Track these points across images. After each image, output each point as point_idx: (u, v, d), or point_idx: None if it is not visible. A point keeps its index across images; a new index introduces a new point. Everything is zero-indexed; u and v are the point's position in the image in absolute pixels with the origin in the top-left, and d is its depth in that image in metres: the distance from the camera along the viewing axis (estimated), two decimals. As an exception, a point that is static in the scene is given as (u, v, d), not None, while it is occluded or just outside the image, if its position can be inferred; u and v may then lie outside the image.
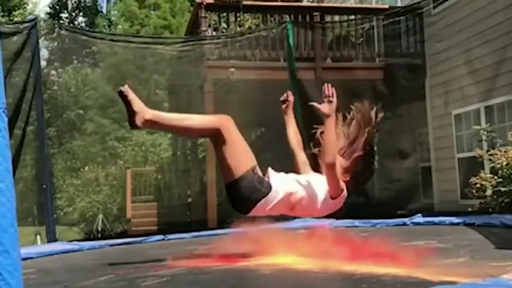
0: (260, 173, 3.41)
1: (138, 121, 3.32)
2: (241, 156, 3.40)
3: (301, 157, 3.84)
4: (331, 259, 3.19)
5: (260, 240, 3.77)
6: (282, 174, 3.55)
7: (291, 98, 4.00)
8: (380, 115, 3.56)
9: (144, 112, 3.33)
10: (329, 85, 3.43)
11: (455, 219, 5.87)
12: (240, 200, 3.38)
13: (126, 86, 3.37)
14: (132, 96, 3.33)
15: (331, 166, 3.30)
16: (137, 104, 3.33)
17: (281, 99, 4.00)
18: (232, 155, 3.36)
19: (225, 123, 3.42)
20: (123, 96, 3.35)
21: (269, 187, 3.37)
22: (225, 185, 3.44)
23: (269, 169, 3.52)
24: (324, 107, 3.38)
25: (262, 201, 3.34)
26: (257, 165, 3.43)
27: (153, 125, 3.51)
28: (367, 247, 3.49)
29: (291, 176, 3.60)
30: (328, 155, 3.30)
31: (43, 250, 5.29)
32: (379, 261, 3.05)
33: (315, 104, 3.42)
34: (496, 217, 5.55)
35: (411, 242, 4.22)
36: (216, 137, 3.39)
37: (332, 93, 3.39)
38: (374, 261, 3.07)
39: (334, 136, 3.39)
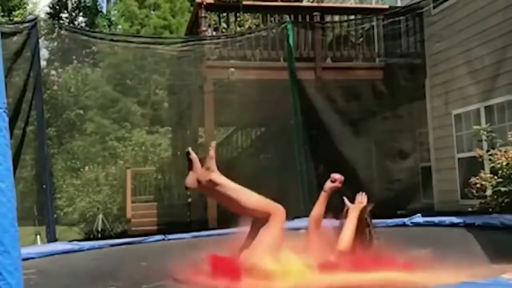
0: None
1: (204, 178, 3.33)
2: (266, 251, 3.31)
3: (314, 242, 3.74)
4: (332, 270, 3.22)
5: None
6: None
7: (340, 185, 3.95)
8: (369, 207, 3.82)
9: (213, 171, 3.36)
10: (363, 194, 3.86)
11: (455, 219, 5.85)
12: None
13: (214, 143, 3.48)
14: (213, 154, 3.40)
15: (342, 254, 3.42)
16: (213, 163, 3.38)
17: (331, 179, 3.94)
18: (262, 242, 3.31)
19: (278, 214, 3.41)
20: (189, 155, 3.43)
21: None
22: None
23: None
24: (351, 205, 3.75)
25: None
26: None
27: (211, 187, 3.44)
28: (368, 254, 3.54)
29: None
30: (344, 244, 3.47)
31: (44, 250, 5.28)
32: (379, 268, 3.08)
33: (346, 200, 3.78)
34: (496, 217, 5.52)
35: (411, 246, 4.18)
36: (262, 219, 3.36)
37: (364, 199, 3.83)
38: (375, 268, 3.11)
39: (353, 229, 3.56)
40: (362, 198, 3.87)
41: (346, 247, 3.49)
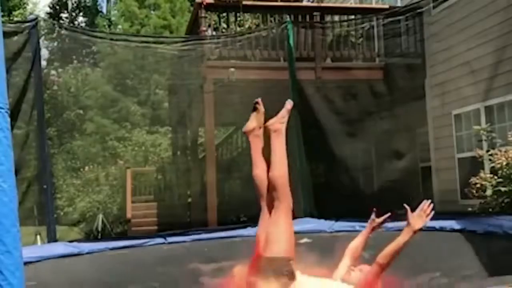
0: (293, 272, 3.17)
1: (273, 126, 3.63)
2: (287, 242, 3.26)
3: (345, 264, 3.62)
4: None
5: None
6: (312, 279, 3.31)
7: (382, 223, 3.81)
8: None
9: (284, 124, 3.68)
10: (430, 202, 3.32)
11: (456, 225, 5.75)
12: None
13: (291, 102, 3.76)
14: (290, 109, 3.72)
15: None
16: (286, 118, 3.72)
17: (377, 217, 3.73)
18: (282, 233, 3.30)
19: (289, 204, 3.44)
20: (257, 103, 3.79)
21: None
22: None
23: (298, 275, 3.22)
24: (412, 218, 3.31)
25: None
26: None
27: (267, 135, 3.63)
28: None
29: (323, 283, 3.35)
30: (384, 259, 3.17)
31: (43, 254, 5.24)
32: None
33: (408, 208, 3.33)
34: (498, 224, 5.27)
35: (412, 265, 4.11)
36: (272, 198, 3.39)
37: (429, 210, 3.32)
38: None
39: (399, 251, 3.25)
40: (428, 209, 3.30)
41: (385, 263, 3.15)
